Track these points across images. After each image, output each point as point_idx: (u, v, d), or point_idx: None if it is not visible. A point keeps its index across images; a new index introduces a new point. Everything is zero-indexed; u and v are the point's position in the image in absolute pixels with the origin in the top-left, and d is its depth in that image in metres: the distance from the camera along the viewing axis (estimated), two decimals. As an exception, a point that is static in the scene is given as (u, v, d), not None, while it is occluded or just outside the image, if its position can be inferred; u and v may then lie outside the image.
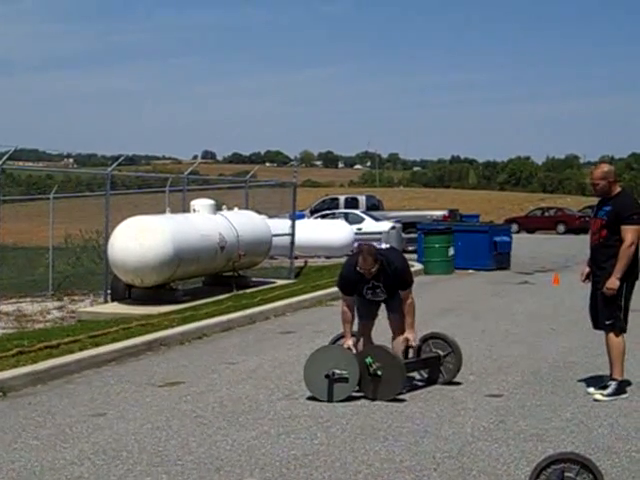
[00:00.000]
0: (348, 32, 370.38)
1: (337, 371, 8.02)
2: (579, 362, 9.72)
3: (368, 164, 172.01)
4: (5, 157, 14.46)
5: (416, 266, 20.98)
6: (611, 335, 8.03)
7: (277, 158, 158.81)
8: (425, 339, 8.81)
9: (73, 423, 7.38)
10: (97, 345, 10.56)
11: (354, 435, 6.87)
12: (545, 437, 6.73)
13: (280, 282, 18.57)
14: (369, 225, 28.42)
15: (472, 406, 7.79)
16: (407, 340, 8.50)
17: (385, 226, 27.76)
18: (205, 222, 16.38)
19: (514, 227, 42.50)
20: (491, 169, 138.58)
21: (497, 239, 23.36)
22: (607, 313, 7.99)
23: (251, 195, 21.22)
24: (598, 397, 7.93)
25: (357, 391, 8.12)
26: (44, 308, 16.42)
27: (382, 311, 8.80)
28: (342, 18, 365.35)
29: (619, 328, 8.02)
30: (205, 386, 8.82)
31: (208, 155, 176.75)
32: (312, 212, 33.30)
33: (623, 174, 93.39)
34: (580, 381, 8.68)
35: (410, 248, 26.08)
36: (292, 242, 20.39)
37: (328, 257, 24.51)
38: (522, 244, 29.80)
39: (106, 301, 15.74)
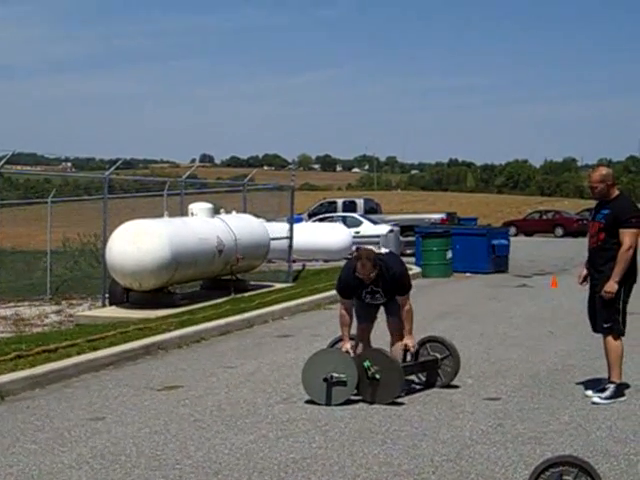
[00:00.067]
0: (346, 35, 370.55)
1: (335, 374, 8.01)
2: (577, 365, 9.72)
3: (366, 167, 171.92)
4: (3, 161, 14.49)
5: (414, 269, 21.00)
6: (609, 338, 8.04)
7: (275, 161, 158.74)
8: (423, 342, 8.81)
9: (71, 427, 7.38)
10: (95, 349, 10.56)
11: (352, 439, 6.87)
12: (543, 440, 6.73)
13: (278, 286, 18.56)
14: (367, 228, 28.44)
15: (470, 409, 7.79)
16: (406, 346, 8.51)
17: (383, 229, 27.78)
18: (203, 226, 16.38)
19: (512, 230, 42.56)
20: (489, 172, 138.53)
21: (495, 242, 23.37)
22: (605, 316, 7.99)
23: (249, 199, 21.23)
24: (596, 400, 7.93)
25: (355, 394, 8.11)
26: (42, 312, 16.42)
27: (381, 314, 8.80)
28: (340, 21, 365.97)
29: (617, 331, 8.03)
30: (203, 390, 8.82)
31: (206, 159, 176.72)
32: (310, 215, 33.35)
33: (621, 177, 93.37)
34: (578, 384, 8.68)
35: (408, 251, 26.11)
36: (290, 245, 20.40)
37: (326, 260, 24.51)
38: (520, 247, 29.86)
39: (104, 305, 15.75)
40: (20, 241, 29.15)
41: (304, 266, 22.90)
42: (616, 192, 8.12)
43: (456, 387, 8.64)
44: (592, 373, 9.04)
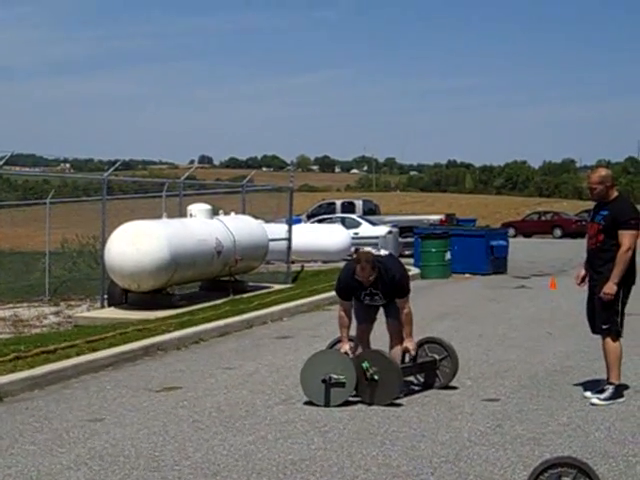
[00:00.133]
0: (345, 37, 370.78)
1: (334, 376, 8.01)
2: (576, 366, 9.73)
3: (365, 168, 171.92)
4: (2, 162, 14.47)
5: (413, 270, 20.99)
6: (608, 340, 8.04)
7: (274, 163, 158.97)
8: (421, 343, 8.81)
9: (70, 428, 7.37)
10: (94, 350, 10.55)
11: (351, 440, 6.87)
12: (542, 441, 6.74)
13: (277, 287, 18.56)
14: (366, 229, 28.43)
15: (469, 410, 7.79)
16: (407, 350, 8.51)
17: (382, 230, 27.77)
18: (202, 227, 16.38)
19: (511, 231, 42.57)
20: (488, 173, 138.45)
21: (494, 243, 23.37)
22: (604, 317, 8.00)
23: (248, 200, 21.21)
24: (595, 401, 7.94)
25: (354, 396, 8.12)
26: (41, 313, 16.41)
27: (380, 315, 8.80)
28: (340, 22, 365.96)
29: (616, 333, 8.03)
30: (202, 391, 8.82)
31: (205, 160, 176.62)
32: (309, 217, 33.32)
33: (620, 178, 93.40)
34: (577, 385, 8.68)
35: (407, 252, 26.10)
36: (289, 247, 20.39)
37: (325, 262, 24.51)
38: (519, 248, 29.86)
39: (103, 306, 15.73)
40: (19, 242, 29.15)
41: (303, 267, 22.90)
42: (615, 193, 8.12)
43: (455, 388, 8.65)
44: (591, 374, 9.04)
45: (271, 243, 19.01)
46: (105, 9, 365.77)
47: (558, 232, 49.16)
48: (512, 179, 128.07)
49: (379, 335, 9.03)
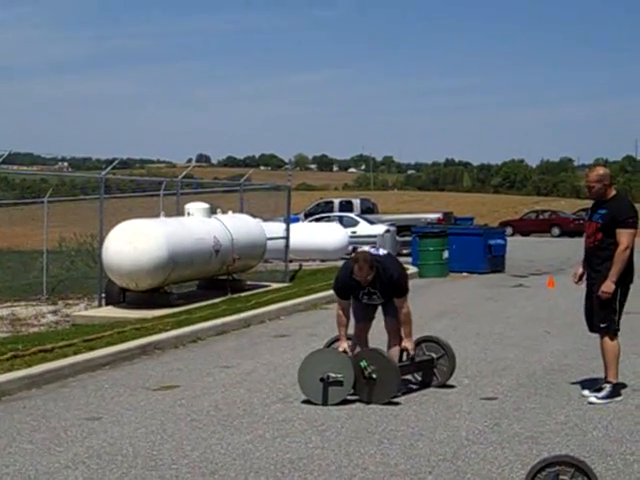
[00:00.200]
0: (345, 36, 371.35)
1: (332, 374, 8.01)
2: (574, 365, 9.73)
3: (363, 167, 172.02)
4: (-1, 161, 14.45)
5: (411, 269, 20.98)
6: (606, 338, 8.05)
7: (271, 161, 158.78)
8: (418, 342, 8.80)
9: (68, 427, 7.37)
10: (91, 349, 10.55)
11: (349, 438, 6.87)
12: (540, 440, 6.74)
13: (275, 285, 18.56)
14: (364, 228, 28.44)
15: (467, 409, 7.79)
16: (405, 349, 8.51)
17: (380, 229, 27.78)
18: (199, 226, 16.37)
19: (508, 230, 42.65)
20: (485, 172, 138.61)
21: (491, 242, 23.38)
22: (602, 316, 8.00)
23: (246, 199, 21.21)
24: (592, 400, 7.94)
25: (352, 394, 8.12)
26: (38, 312, 16.40)
27: (378, 313, 8.80)
28: (339, 22, 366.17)
29: (614, 331, 8.04)
30: (200, 390, 8.81)
31: (202, 159, 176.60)
32: (306, 215, 33.33)
33: (617, 177, 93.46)
34: (575, 384, 8.69)
35: (405, 251, 26.12)
36: (287, 245, 20.40)
37: (323, 260, 24.51)
38: (516, 247, 29.86)
39: (100, 305, 15.73)
40: (16, 241, 29.12)
41: (301, 266, 22.90)
42: (613, 192, 8.12)
43: (453, 387, 8.65)
44: (588, 373, 9.05)
45: (269, 242, 19.01)
46: (105, 9, 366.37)
47: (556, 231, 49.20)
48: (510, 178, 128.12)
49: (377, 334, 9.03)
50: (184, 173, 21.05)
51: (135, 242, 14.47)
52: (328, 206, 35.83)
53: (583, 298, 8.37)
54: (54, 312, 16.46)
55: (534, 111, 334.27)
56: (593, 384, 8.36)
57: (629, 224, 7.91)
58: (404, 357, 8.60)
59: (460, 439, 6.80)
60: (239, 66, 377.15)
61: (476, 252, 22.78)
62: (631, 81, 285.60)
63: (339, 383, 8.02)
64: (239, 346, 11.64)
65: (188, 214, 16.96)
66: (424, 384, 8.70)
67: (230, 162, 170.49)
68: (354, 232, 27.52)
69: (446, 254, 22.44)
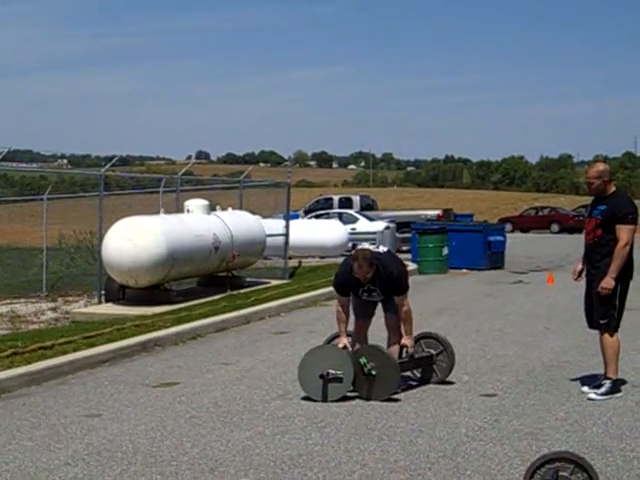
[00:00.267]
0: (344, 33, 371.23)
1: (331, 371, 8.01)
2: (573, 361, 9.73)
3: (362, 164, 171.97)
4: (-1, 158, 14.43)
5: (410, 266, 20.96)
6: (606, 335, 8.04)
7: (271, 158, 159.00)
8: (417, 339, 8.80)
9: (67, 424, 7.37)
10: (91, 346, 10.55)
11: (348, 435, 6.87)
12: (539, 436, 6.74)
13: (274, 282, 18.56)
14: (363, 225, 28.44)
15: (466, 406, 7.79)
16: (405, 347, 8.51)
17: (379, 226, 27.76)
18: (199, 222, 16.36)
19: (508, 226, 42.63)
20: (485, 169, 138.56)
21: (491, 239, 23.39)
22: (602, 312, 8.00)
23: (245, 195, 21.21)
24: (592, 396, 7.94)
25: (352, 391, 8.12)
26: (38, 309, 16.39)
27: (379, 310, 8.80)
28: (338, 19, 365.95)
29: (614, 328, 8.04)
30: (199, 386, 8.81)
31: (202, 155, 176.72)
32: (306, 212, 33.29)
33: (617, 173, 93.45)
34: (574, 380, 8.69)
35: (404, 248, 26.12)
36: (286, 242, 20.39)
37: (322, 257, 24.52)
38: (516, 243, 29.87)
39: (100, 302, 15.72)
40: (16, 238, 29.13)
41: (300, 263, 22.90)
42: (613, 188, 8.12)
43: (452, 383, 8.65)
44: (588, 369, 9.05)
45: (268, 239, 19.01)
46: (104, 7, 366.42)
47: (555, 227, 49.19)
48: (509, 174, 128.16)
49: (377, 330, 9.03)
50: (184, 170, 21.02)
51: (135, 239, 14.46)
52: (327, 203, 35.79)
53: (583, 295, 8.37)
54: (54, 309, 16.45)
55: (533, 108, 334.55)
56: (593, 380, 8.36)
57: (629, 220, 7.90)
58: (404, 354, 8.61)
59: (460, 435, 6.80)
60: (238, 63, 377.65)
61: (476, 249, 22.79)
62: (630, 78, 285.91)
63: (339, 380, 8.03)
64: (239, 343, 11.64)
65: (187, 211, 16.95)
66: (423, 381, 8.70)
67: (229, 159, 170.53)
68: (353, 229, 27.52)
69: (446, 251, 22.45)
